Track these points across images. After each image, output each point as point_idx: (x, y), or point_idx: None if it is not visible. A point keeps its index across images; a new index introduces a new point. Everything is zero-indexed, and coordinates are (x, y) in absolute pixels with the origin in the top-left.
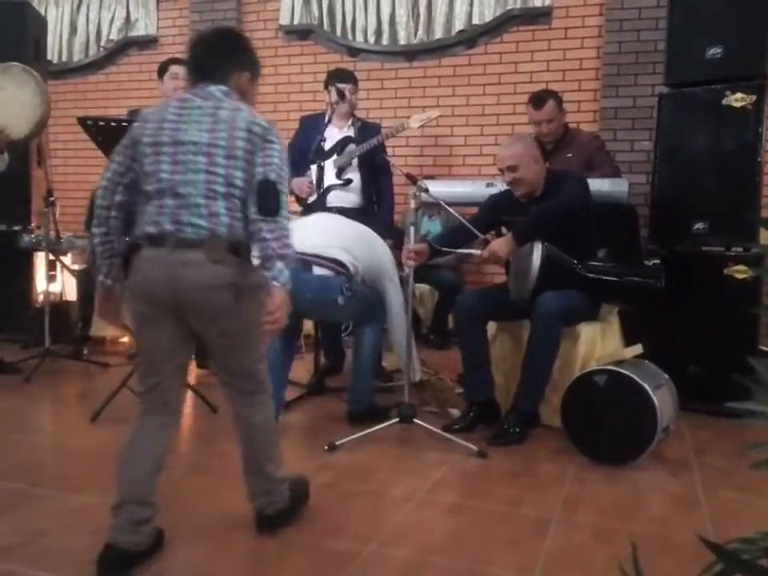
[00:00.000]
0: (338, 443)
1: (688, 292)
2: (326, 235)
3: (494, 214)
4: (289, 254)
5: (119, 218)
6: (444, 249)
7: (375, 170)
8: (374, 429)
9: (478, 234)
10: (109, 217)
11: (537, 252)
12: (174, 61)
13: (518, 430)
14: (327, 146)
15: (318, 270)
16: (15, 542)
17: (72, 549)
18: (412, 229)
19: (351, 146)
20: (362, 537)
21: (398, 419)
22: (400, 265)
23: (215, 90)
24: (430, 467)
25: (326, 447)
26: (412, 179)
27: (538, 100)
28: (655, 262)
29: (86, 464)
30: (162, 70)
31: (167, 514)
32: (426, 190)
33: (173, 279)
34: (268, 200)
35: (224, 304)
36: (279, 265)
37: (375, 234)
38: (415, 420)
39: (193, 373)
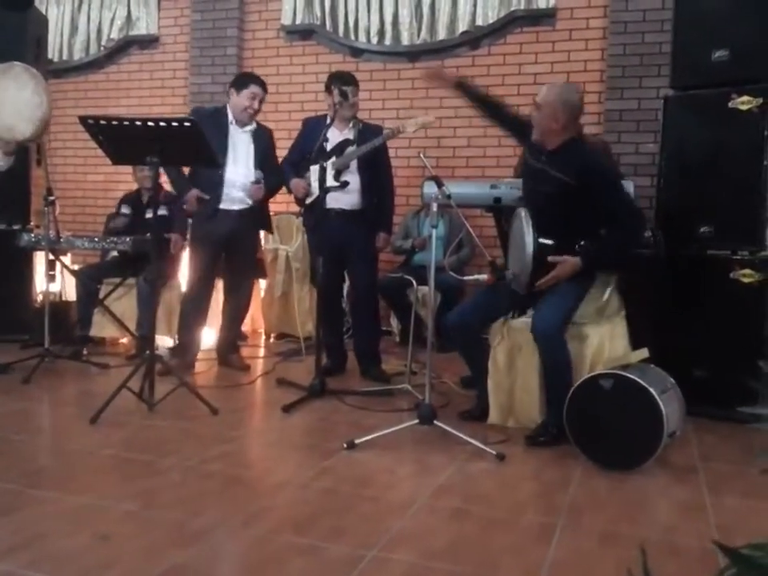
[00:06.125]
0: (357, 442)
1: (694, 296)
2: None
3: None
4: None
5: None
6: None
7: (377, 172)
8: (391, 430)
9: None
10: None
11: (529, 249)
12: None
13: (555, 431)
14: (329, 147)
15: None
16: (14, 544)
17: (72, 551)
18: (434, 231)
19: (350, 149)
20: (363, 542)
21: (417, 421)
22: None
23: None
24: (434, 471)
25: (345, 446)
26: (438, 183)
27: None
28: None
29: (86, 466)
30: (241, 84)
31: (166, 518)
32: (449, 197)
33: None
34: None
35: None
36: None
37: None
38: (435, 422)
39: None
